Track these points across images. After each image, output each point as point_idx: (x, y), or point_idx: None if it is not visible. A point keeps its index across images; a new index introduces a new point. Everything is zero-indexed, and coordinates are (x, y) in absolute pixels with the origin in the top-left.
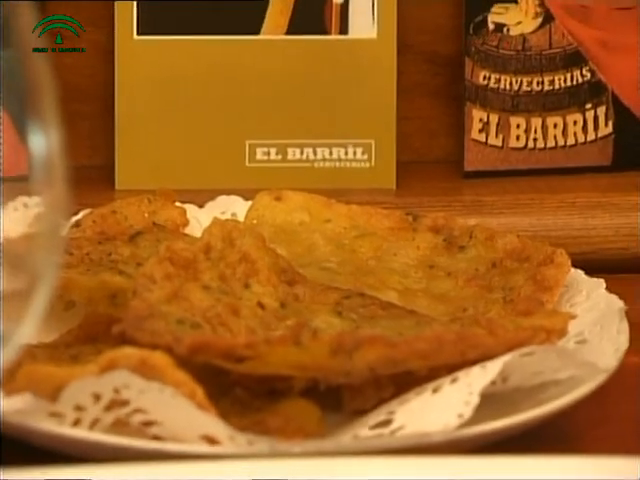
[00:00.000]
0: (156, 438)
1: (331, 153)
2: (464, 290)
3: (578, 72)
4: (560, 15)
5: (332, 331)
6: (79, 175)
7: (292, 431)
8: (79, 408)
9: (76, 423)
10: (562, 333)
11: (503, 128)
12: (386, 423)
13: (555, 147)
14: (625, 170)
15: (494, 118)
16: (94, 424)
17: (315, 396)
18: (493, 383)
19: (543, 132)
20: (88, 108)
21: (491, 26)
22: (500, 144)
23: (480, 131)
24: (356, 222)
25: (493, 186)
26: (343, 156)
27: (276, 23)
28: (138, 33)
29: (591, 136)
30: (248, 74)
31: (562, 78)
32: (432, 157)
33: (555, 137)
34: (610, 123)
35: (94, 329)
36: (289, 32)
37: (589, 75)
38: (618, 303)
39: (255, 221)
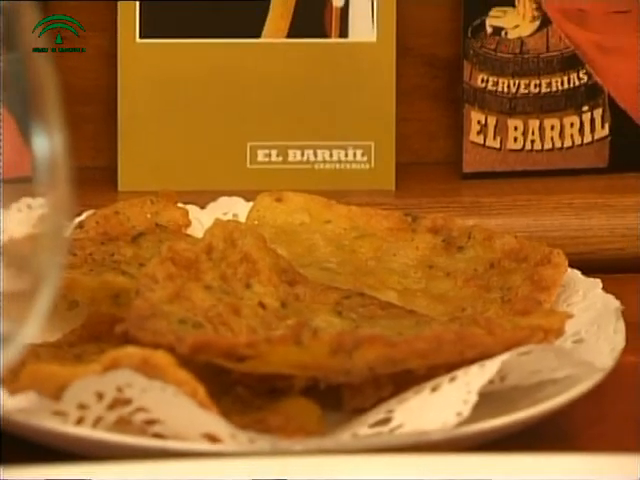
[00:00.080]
0: (158, 436)
1: (331, 155)
2: (463, 290)
3: (575, 75)
4: (557, 19)
5: (332, 331)
6: (82, 177)
7: (292, 429)
8: (82, 407)
9: (79, 421)
10: (559, 332)
11: (501, 130)
12: (385, 422)
13: (552, 149)
14: (621, 172)
15: (492, 120)
16: (97, 422)
17: (315, 395)
18: (491, 382)
19: (540, 134)
20: (91, 110)
21: (489, 29)
22: (498, 146)
23: (478, 133)
24: (356, 223)
25: (491, 187)
26: (343, 158)
27: (277, 26)
28: (141, 36)
29: (588, 138)
30: (249, 77)
31: (559, 81)
32: (431, 159)
33: (552, 139)
34: (606, 125)
35: (97, 329)
36: (289, 35)
37: (586, 78)
38: (614, 303)
39: (256, 222)
